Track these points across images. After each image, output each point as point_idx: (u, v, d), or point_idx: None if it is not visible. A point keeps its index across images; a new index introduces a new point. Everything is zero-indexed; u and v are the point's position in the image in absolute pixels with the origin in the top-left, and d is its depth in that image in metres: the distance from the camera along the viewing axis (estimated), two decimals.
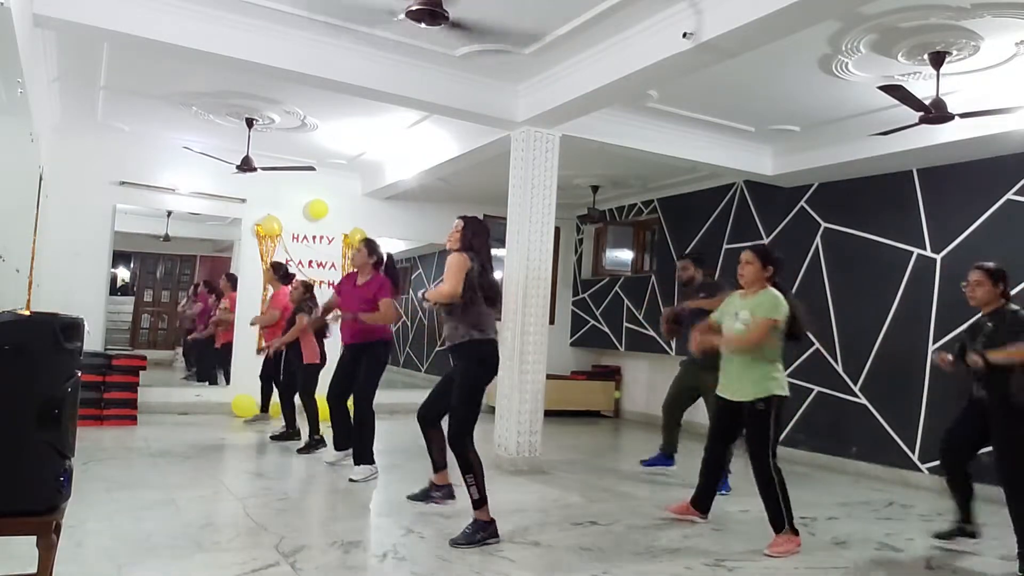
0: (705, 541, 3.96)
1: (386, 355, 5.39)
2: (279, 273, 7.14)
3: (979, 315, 4.04)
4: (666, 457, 5.75)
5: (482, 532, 3.68)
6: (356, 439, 5.19)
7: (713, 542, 3.94)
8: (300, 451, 6.02)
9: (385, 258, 5.46)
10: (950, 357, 4.02)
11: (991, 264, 3.97)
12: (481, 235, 3.97)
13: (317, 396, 6.09)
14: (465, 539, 3.65)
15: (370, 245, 5.45)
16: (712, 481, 4.31)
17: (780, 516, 3.83)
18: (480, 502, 3.71)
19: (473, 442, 3.75)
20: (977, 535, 4.01)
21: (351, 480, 5.02)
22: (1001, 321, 3.83)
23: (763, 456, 3.86)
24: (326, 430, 5.78)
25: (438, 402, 4.21)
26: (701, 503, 4.30)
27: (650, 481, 5.56)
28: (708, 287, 5.43)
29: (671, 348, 8.42)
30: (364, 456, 5.14)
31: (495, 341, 3.92)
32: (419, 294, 4.00)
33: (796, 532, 3.84)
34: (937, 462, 5.72)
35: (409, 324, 12.10)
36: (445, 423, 3.92)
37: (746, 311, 3.96)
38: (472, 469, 3.70)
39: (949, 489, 4.12)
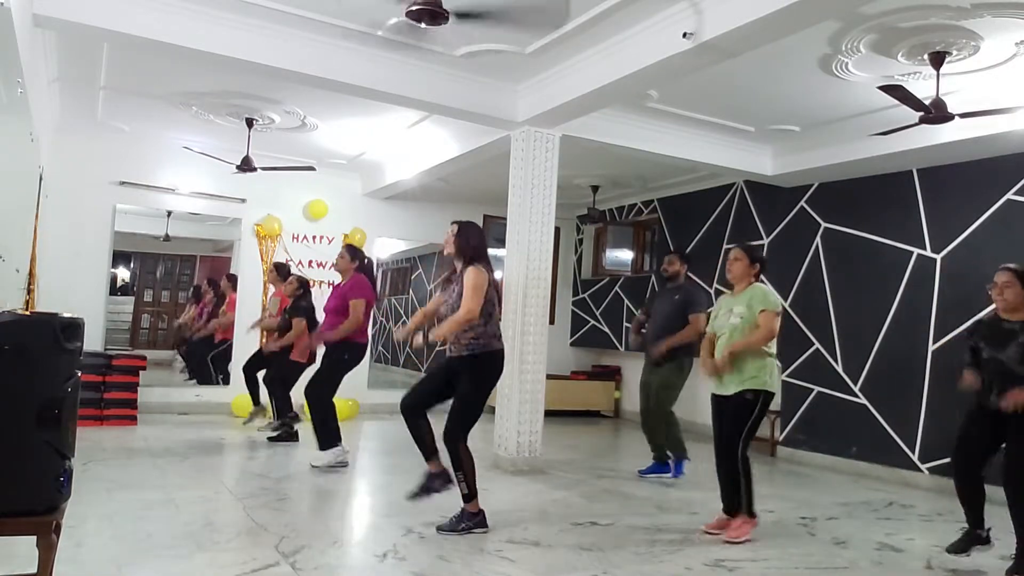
0: (705, 541, 3.96)
1: (351, 357, 5.43)
2: (282, 273, 7.16)
3: (990, 313, 3.79)
4: (679, 461, 5.72)
5: (467, 522, 3.79)
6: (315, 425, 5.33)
7: (713, 542, 3.94)
8: (270, 438, 6.25)
9: (367, 261, 5.54)
10: (973, 377, 3.66)
11: (1020, 266, 3.65)
12: (476, 238, 3.94)
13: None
14: (449, 527, 3.78)
15: (351, 250, 5.53)
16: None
17: (737, 501, 3.99)
18: (470, 496, 3.80)
19: (467, 439, 3.80)
20: (992, 542, 3.74)
21: (312, 466, 5.23)
22: None
23: (735, 441, 3.97)
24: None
25: (427, 397, 3.99)
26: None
27: (650, 481, 5.56)
28: (684, 291, 5.61)
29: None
30: (324, 442, 5.27)
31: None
32: (424, 332, 3.88)
33: (753, 515, 4.01)
34: (937, 462, 5.76)
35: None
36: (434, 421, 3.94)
37: (741, 306, 4.05)
38: (463, 466, 3.77)
39: (962, 497, 3.78)
